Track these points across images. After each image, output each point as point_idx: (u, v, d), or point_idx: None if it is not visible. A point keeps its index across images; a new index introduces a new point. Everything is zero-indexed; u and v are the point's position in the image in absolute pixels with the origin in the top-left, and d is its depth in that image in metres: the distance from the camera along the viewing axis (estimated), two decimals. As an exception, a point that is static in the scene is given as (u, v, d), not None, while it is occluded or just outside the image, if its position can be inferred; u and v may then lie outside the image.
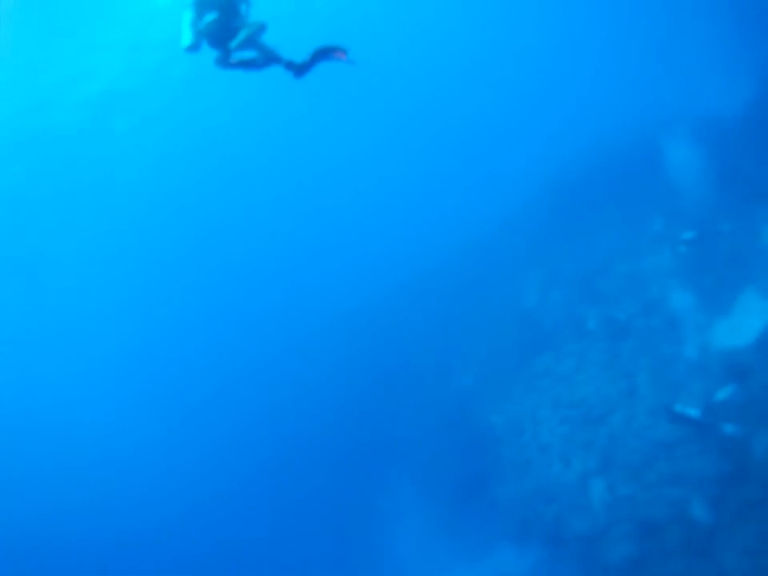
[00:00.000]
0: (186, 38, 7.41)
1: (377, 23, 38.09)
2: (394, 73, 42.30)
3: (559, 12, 42.84)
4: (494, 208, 33.47)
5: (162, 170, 38.86)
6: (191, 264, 43.83)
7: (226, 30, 7.40)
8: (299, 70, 8.13)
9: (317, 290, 40.38)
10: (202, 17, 7.37)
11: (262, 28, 7.76)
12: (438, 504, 22.10)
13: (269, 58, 8.00)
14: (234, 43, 7.50)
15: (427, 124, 46.80)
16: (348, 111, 44.62)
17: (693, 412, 15.48)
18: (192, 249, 44.09)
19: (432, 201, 41.30)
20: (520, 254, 28.48)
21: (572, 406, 20.50)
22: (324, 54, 7.98)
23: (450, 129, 47.21)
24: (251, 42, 7.73)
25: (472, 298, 28.79)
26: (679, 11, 34.05)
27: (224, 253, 45.06)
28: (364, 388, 28.26)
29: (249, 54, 7.99)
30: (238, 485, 29.13)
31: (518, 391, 23.06)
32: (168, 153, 38.20)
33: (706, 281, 20.63)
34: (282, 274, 43.62)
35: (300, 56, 8.06)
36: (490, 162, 42.45)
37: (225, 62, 7.74)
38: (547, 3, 42.07)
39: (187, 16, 7.39)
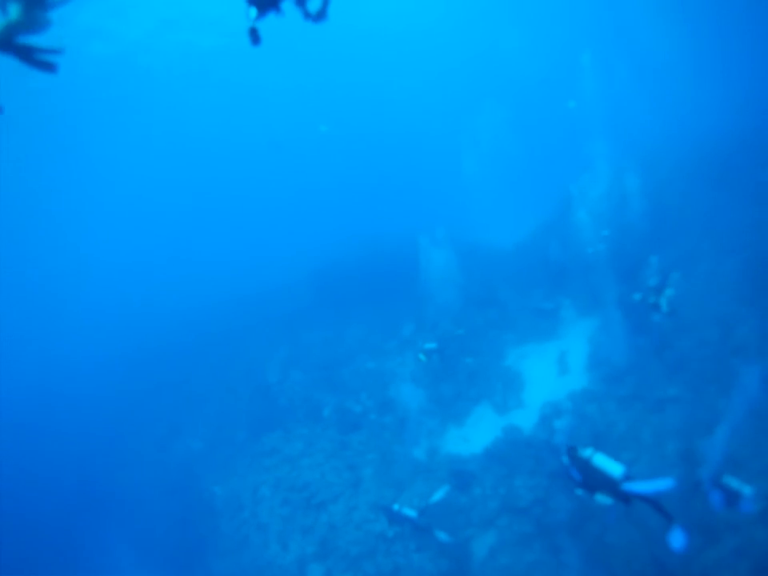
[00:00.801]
0: None
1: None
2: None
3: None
4: (255, 281, 32.42)
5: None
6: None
7: None
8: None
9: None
10: None
11: None
12: (155, 571, 18.80)
13: None
14: None
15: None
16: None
17: (410, 513, 14.90)
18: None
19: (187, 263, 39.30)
20: (272, 328, 27.24)
21: (295, 488, 19.10)
22: None
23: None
24: None
25: (215, 361, 26.63)
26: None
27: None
28: (88, 439, 24.15)
29: None
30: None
31: (243, 465, 21.12)
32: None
33: (446, 389, 21.07)
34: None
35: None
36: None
37: None
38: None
39: None
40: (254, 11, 5.87)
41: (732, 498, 11.69)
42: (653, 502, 9.49)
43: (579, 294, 22.80)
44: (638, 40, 42.47)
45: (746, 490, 11.66)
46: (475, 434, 19.45)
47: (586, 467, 9.80)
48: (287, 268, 32.65)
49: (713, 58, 40.04)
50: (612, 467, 9.53)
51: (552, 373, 20.66)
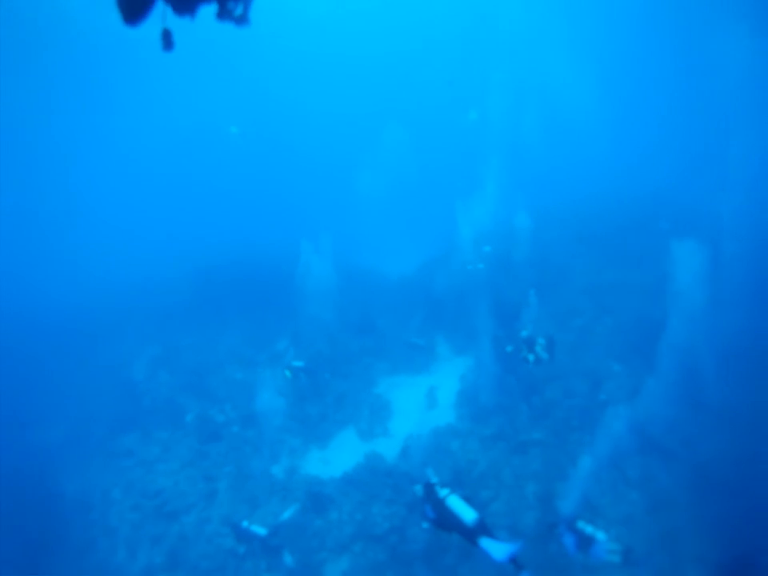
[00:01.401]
0: None
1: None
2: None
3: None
4: (132, 273, 30.77)
5: None
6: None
7: None
8: None
9: None
10: None
11: None
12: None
13: None
14: None
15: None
16: None
17: (259, 531, 14.55)
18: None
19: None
20: (145, 324, 25.84)
21: (147, 494, 18.00)
22: None
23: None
24: None
25: (80, 350, 24.68)
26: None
27: None
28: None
29: None
30: None
31: (98, 464, 19.63)
32: None
33: (312, 409, 20.81)
34: None
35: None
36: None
37: None
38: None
39: None
40: (169, 12, 5.53)
41: (585, 542, 12.13)
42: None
43: (456, 332, 23.38)
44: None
45: (600, 535, 12.18)
46: (337, 458, 19.24)
47: (441, 506, 9.83)
48: (168, 264, 31.23)
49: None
50: (465, 512, 9.59)
51: (420, 406, 20.87)
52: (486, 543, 9.31)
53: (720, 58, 34.07)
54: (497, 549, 9.26)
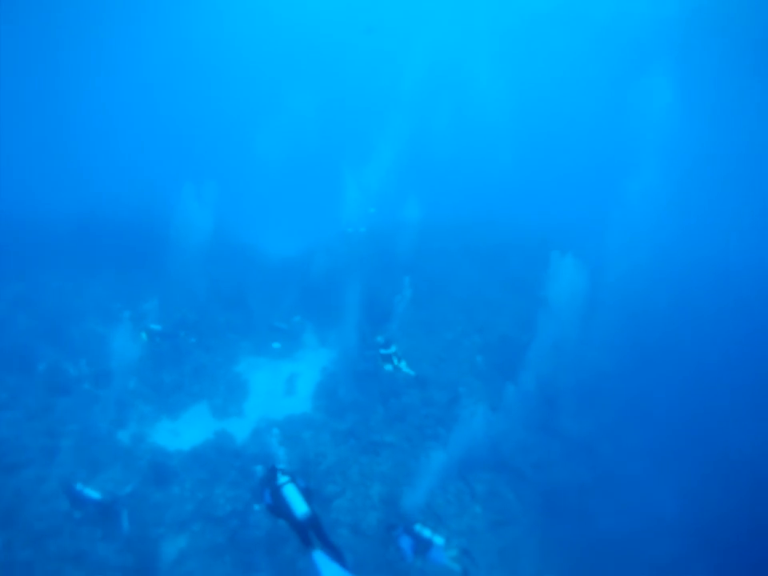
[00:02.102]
0: None
1: None
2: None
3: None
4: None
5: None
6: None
7: None
8: None
9: None
10: None
11: None
12: None
13: None
14: None
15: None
16: None
17: (93, 494, 14.32)
18: None
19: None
20: (12, 258, 24.15)
21: None
22: None
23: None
24: None
25: None
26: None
27: None
28: None
29: None
30: None
31: None
32: None
33: (168, 378, 20.56)
34: None
35: None
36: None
37: None
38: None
39: None
40: None
41: (423, 546, 12.57)
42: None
43: (325, 322, 23.76)
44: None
45: (438, 539, 12.66)
46: (187, 431, 19.16)
47: (277, 493, 10.07)
48: (50, 197, 29.23)
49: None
50: (298, 504, 9.86)
51: (278, 391, 21.20)
52: (319, 558, 9.58)
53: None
54: (328, 570, 9.50)
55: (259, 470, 10.68)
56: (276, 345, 22.86)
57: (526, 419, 19.79)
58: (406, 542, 12.69)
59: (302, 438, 18.38)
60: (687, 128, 37.63)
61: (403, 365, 17.94)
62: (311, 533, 9.81)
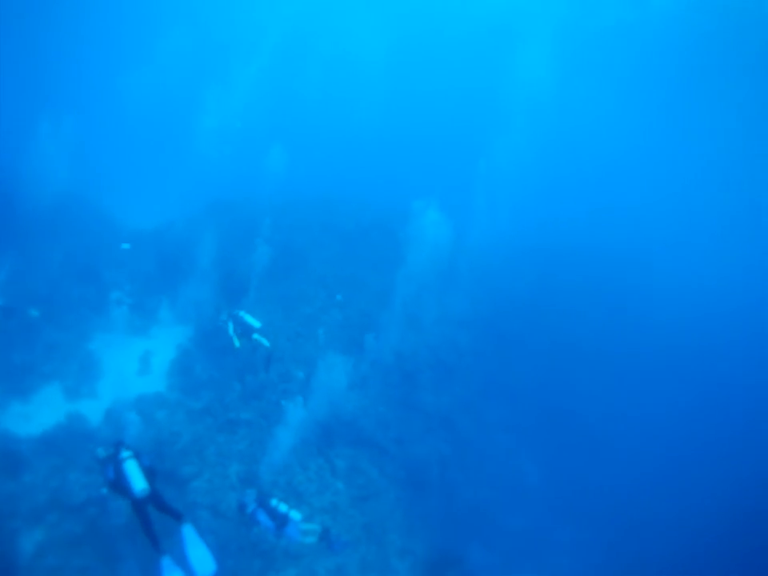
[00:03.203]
0: None
1: None
2: None
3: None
4: None
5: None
6: None
7: None
8: None
9: None
10: None
11: None
12: None
13: None
14: None
15: None
16: None
17: None
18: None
19: None
20: None
21: None
22: None
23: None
24: None
25: None
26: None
27: None
28: None
29: None
30: None
31: None
32: None
33: (18, 357, 19.86)
34: None
35: None
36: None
37: None
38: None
39: None
40: None
41: (280, 521, 12.34)
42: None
43: (180, 298, 23.67)
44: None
45: (294, 514, 12.51)
46: (38, 414, 18.63)
47: (118, 468, 9.96)
48: None
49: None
50: (136, 480, 9.79)
51: (132, 370, 21.03)
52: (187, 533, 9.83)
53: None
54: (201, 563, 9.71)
55: (100, 452, 10.44)
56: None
57: (386, 394, 20.76)
58: (262, 517, 12.44)
59: (155, 418, 18.32)
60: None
61: (253, 337, 17.49)
62: (149, 510, 9.79)
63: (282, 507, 12.52)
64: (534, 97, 38.38)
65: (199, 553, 9.97)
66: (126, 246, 24.45)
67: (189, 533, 10.05)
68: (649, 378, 25.67)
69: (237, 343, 17.12)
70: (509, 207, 30.62)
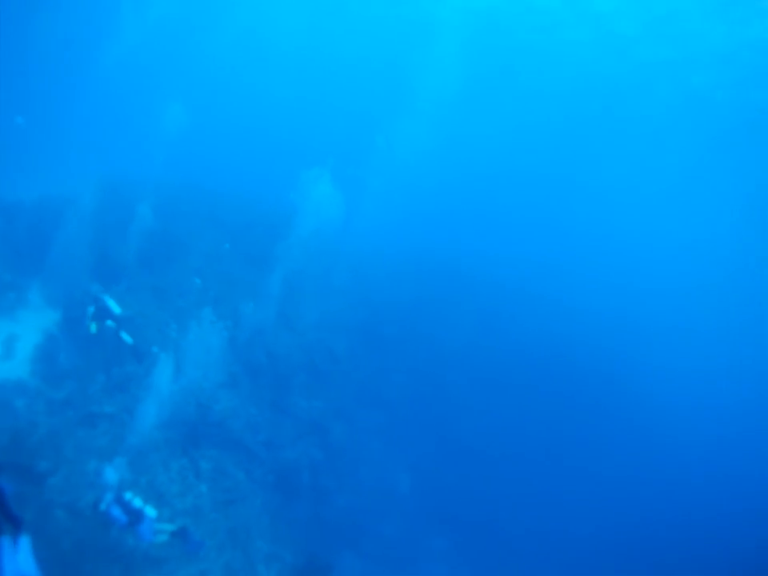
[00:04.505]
0: None
1: None
2: None
3: None
4: None
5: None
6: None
7: None
8: None
9: None
10: None
11: None
12: None
13: None
14: None
15: None
16: None
17: None
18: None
19: None
20: None
21: None
22: None
23: None
24: None
25: None
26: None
27: None
28: None
29: None
30: None
31: None
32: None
33: None
34: None
35: None
36: None
37: None
38: None
39: None
40: None
41: (135, 517, 12.08)
42: None
43: (52, 280, 22.76)
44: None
45: (150, 511, 12.29)
46: None
47: None
48: None
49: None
50: None
51: (-7, 354, 20.03)
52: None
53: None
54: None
55: None
56: None
57: (257, 396, 20.65)
58: (117, 514, 12.11)
59: (14, 406, 17.73)
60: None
61: (121, 332, 17.44)
62: None
63: (137, 502, 12.28)
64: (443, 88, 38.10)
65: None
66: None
67: (23, 546, 8.24)
68: (522, 383, 26.94)
69: (93, 328, 16.76)
70: (397, 206, 31.00)
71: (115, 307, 17.17)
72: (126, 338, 17.48)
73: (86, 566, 14.02)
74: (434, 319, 27.52)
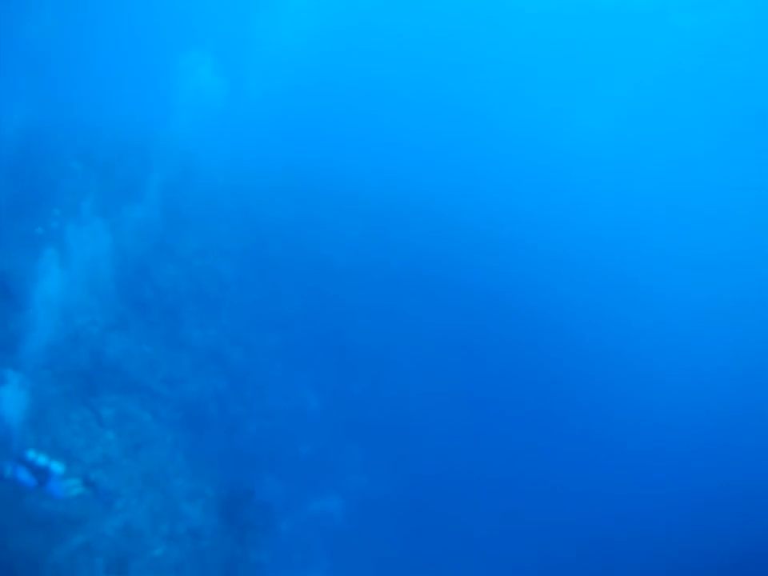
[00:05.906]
0: None
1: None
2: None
3: None
4: None
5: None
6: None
7: None
8: None
9: None
10: None
11: None
12: None
13: None
14: None
15: None
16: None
17: None
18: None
19: None
20: None
21: None
22: None
23: None
24: None
25: None
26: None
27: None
28: None
29: None
30: None
31: None
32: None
33: None
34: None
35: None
36: None
37: None
38: None
39: None
40: None
41: (42, 477, 11.27)
42: None
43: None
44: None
45: (56, 467, 11.37)
46: None
47: None
48: None
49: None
50: None
51: None
52: None
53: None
54: None
55: None
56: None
57: (149, 333, 19.58)
58: (23, 474, 11.14)
59: None
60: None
61: None
62: None
63: (42, 459, 11.28)
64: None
65: None
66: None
67: None
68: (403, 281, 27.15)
69: None
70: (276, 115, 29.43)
71: None
72: None
73: (10, 541, 12.84)
74: (321, 235, 27.00)
